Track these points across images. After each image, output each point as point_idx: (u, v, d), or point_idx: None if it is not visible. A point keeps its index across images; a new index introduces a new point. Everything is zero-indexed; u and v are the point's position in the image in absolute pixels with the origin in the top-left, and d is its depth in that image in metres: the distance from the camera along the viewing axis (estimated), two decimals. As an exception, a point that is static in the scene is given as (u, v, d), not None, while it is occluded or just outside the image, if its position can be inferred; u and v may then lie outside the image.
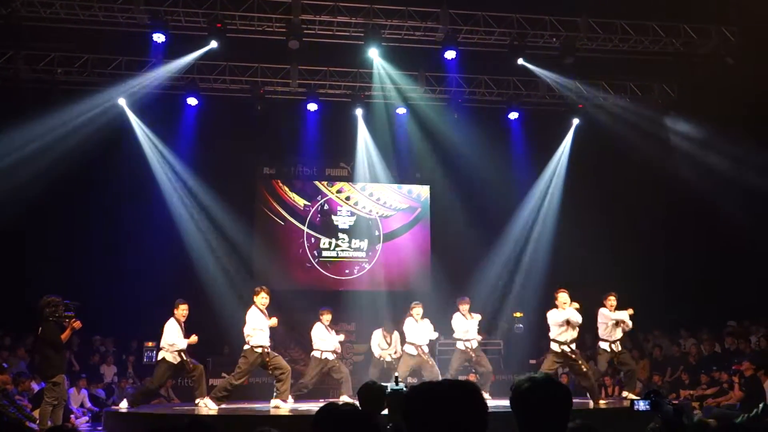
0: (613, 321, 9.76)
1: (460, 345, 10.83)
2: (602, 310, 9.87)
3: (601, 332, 9.91)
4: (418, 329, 10.67)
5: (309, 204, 14.74)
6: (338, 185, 14.95)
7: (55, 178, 12.48)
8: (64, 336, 7.89)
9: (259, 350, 9.18)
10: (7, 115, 11.76)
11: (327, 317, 10.74)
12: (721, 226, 12.50)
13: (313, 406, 8.65)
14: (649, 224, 13.64)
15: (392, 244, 15.00)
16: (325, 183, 14.88)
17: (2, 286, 11.42)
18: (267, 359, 9.22)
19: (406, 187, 15.25)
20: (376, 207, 15.04)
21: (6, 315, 11.53)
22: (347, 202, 14.96)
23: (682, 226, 13.32)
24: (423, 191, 15.26)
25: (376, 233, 14.94)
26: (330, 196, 14.87)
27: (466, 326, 10.81)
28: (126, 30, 11.59)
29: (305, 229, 14.64)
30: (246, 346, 9.26)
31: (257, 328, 9.20)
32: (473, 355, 10.73)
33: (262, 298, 9.37)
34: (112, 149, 12.84)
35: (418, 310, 10.77)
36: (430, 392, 2.13)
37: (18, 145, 11.88)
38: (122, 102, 12.84)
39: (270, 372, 9.49)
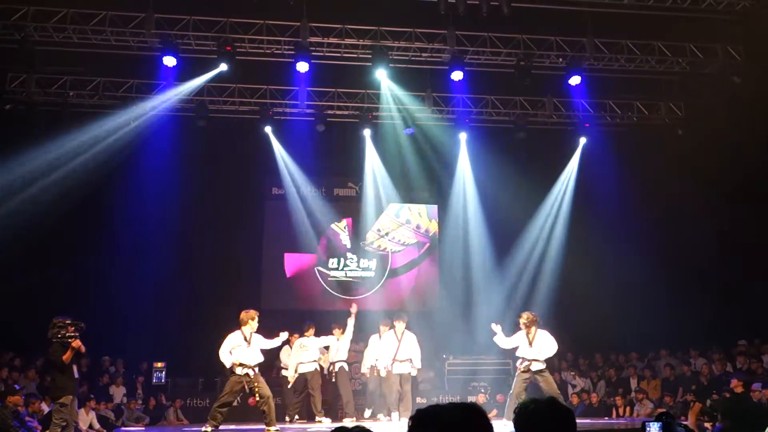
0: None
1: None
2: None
3: None
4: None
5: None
6: (344, 222, 15.04)
7: (64, 201, 12.56)
8: (66, 357, 7.78)
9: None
10: (19, 138, 11.90)
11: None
12: (730, 242, 12.44)
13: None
14: (657, 242, 13.57)
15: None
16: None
17: (13, 309, 11.46)
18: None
19: (414, 221, 15.31)
20: (384, 242, 15.14)
21: (17, 337, 11.56)
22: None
23: (689, 242, 13.23)
24: (432, 225, 15.34)
25: (385, 268, 15.04)
26: (337, 230, 14.98)
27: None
28: (137, 53, 11.75)
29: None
30: None
31: None
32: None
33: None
34: (122, 172, 12.95)
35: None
36: (434, 415, 2.11)
37: (28, 168, 11.99)
38: (133, 124, 12.96)
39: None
